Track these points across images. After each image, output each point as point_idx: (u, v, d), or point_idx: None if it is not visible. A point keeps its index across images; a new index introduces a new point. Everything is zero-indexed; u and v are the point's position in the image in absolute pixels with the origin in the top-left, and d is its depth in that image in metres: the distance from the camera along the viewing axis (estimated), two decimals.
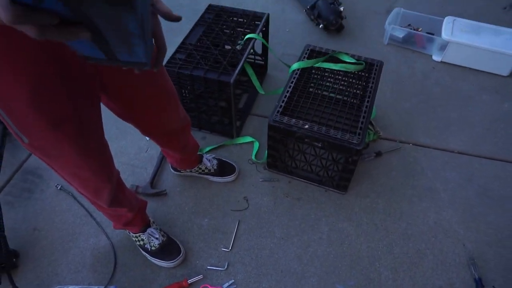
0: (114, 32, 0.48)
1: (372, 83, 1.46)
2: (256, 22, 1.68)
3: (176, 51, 1.54)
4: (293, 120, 1.33)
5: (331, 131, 1.30)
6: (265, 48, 1.89)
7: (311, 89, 1.53)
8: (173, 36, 2.04)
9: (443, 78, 1.98)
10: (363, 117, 1.34)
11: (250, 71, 1.70)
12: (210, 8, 1.76)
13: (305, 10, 2.27)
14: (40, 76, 0.70)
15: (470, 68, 2.01)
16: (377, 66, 1.53)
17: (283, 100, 1.39)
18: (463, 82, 1.96)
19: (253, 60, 1.95)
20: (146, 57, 0.55)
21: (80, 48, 0.53)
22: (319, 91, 1.54)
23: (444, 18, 2.08)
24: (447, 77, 1.98)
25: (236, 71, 1.44)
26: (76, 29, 0.44)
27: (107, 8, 0.41)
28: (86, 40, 0.48)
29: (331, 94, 1.51)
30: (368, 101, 1.39)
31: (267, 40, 1.83)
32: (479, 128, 1.75)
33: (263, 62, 1.96)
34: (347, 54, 1.56)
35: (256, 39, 1.62)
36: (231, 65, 1.48)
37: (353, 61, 1.53)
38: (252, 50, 1.84)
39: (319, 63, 1.53)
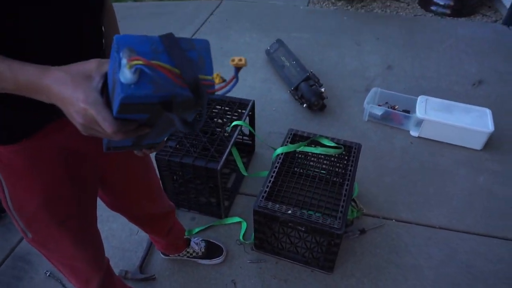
0: (165, 127, 0.63)
1: (351, 166, 1.56)
2: (242, 111, 1.83)
3: (168, 139, 1.65)
4: (277, 205, 1.40)
5: (313, 216, 1.36)
6: (253, 121, 2.02)
7: (296, 169, 1.63)
8: None
9: (421, 153, 2.10)
10: (344, 201, 1.42)
11: (235, 153, 1.81)
12: None
13: (290, 91, 2.46)
14: (53, 181, 0.78)
15: (445, 143, 2.14)
16: (355, 148, 1.64)
17: (268, 185, 1.48)
18: (440, 157, 2.07)
19: (241, 140, 2.08)
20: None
21: (113, 141, 0.64)
22: (303, 170, 1.64)
23: (417, 97, 2.26)
24: (425, 152, 2.10)
25: (223, 159, 1.55)
26: (141, 127, 0.56)
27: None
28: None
29: (315, 172, 1.61)
30: (347, 185, 1.48)
31: (253, 123, 1.97)
32: (458, 202, 1.83)
33: (250, 142, 2.08)
34: (327, 138, 1.68)
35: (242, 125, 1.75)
36: (218, 152, 1.59)
37: (333, 144, 1.64)
38: (240, 132, 1.97)
39: (301, 147, 1.65)
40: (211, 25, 3.48)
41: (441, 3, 3.60)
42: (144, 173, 1.10)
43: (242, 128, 1.99)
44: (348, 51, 3.04)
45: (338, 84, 2.66)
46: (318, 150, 1.63)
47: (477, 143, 2.07)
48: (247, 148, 2.11)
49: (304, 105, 2.34)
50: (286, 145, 1.66)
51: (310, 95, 2.26)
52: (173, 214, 1.37)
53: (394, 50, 3.05)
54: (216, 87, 0.55)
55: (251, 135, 2.06)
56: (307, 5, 3.85)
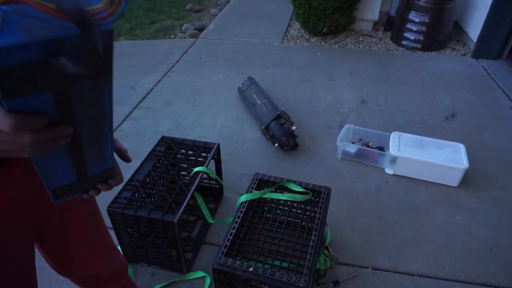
0: (90, 134, 0.55)
1: (319, 213, 1.46)
2: (207, 155, 1.73)
3: (123, 189, 1.53)
4: (238, 262, 1.28)
5: (276, 274, 1.24)
6: (219, 171, 1.92)
7: (262, 214, 1.51)
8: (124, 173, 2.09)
9: (396, 191, 2.02)
10: (311, 254, 1.31)
11: (199, 199, 1.69)
12: (162, 140, 1.82)
13: (261, 130, 2.39)
14: None
15: (421, 180, 2.07)
16: (324, 193, 1.55)
17: (228, 239, 1.36)
18: (416, 195, 1.99)
19: (208, 184, 1.97)
20: (111, 160, 0.64)
21: (53, 176, 0.57)
22: (270, 215, 1.53)
23: (391, 133, 2.21)
24: (400, 190, 2.03)
25: (181, 210, 1.43)
26: (61, 126, 0.50)
27: (89, 86, 0.47)
28: (61, 159, 0.54)
29: (283, 217, 1.51)
30: (315, 235, 1.37)
31: (219, 167, 1.87)
32: (436, 245, 1.73)
33: (218, 186, 1.97)
34: (295, 182, 1.59)
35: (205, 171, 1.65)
36: (177, 202, 1.48)
37: (301, 190, 1.55)
38: (207, 176, 1.87)
39: (267, 194, 1.55)
40: (184, 63, 3.46)
41: (412, 38, 3.67)
42: (92, 228, 0.98)
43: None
44: (322, 87, 3.03)
45: (311, 120, 2.61)
46: (284, 196, 1.53)
47: (453, 180, 2.01)
48: (215, 192, 1.99)
49: (276, 144, 2.26)
50: (251, 191, 1.55)
51: (281, 134, 2.19)
52: (126, 273, 1.23)
53: (368, 85, 3.05)
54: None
55: (219, 174, 1.95)
56: (281, 42, 3.89)
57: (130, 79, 3.20)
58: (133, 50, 3.84)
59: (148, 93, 2.98)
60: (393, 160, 2.08)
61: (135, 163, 1.65)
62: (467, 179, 2.05)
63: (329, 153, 2.30)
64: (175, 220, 1.39)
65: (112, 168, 0.65)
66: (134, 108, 2.80)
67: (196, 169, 1.62)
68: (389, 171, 2.13)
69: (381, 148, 2.23)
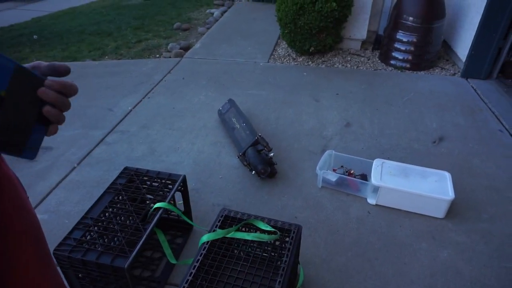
0: None
1: (287, 256, 1.33)
2: (172, 187, 1.61)
3: (74, 228, 1.40)
4: None
5: None
6: (187, 204, 1.79)
7: (226, 252, 1.38)
8: (77, 205, 1.96)
9: (378, 223, 1.89)
10: None
11: (161, 237, 1.56)
12: (125, 171, 1.70)
13: (238, 156, 2.27)
14: None
15: (405, 211, 1.95)
16: (294, 232, 1.42)
17: (184, 287, 1.22)
18: (399, 228, 1.86)
19: (176, 217, 1.84)
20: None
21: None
22: (236, 251, 1.39)
23: (373, 160, 2.09)
24: (382, 223, 1.89)
25: (133, 253, 1.30)
26: None
27: None
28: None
29: (250, 253, 1.37)
30: (280, 282, 1.24)
31: (187, 198, 1.75)
32: (419, 286, 1.59)
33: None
34: (263, 219, 1.46)
35: (166, 206, 1.52)
36: (132, 243, 1.34)
37: (269, 228, 1.42)
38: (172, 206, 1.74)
39: (231, 233, 1.42)
40: (166, 84, 3.36)
41: (400, 57, 3.60)
42: (40, 261, 0.86)
43: (177, 204, 1.76)
44: (306, 108, 2.93)
45: (293, 145, 2.49)
46: (250, 236, 1.40)
47: (438, 211, 1.88)
48: (185, 225, 1.86)
49: (253, 172, 2.14)
50: (214, 230, 1.42)
51: (257, 162, 2.08)
52: None
53: (354, 106, 2.95)
54: None
55: (188, 211, 1.83)
56: (268, 61, 3.81)
57: (109, 101, 3.10)
58: (116, 70, 3.76)
59: (125, 116, 2.88)
60: (376, 189, 1.96)
61: (98, 193, 1.52)
62: (453, 209, 1.92)
63: (309, 181, 2.17)
64: (126, 266, 1.26)
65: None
66: (109, 132, 2.68)
67: (156, 205, 1.49)
68: (371, 201, 2.00)
69: (364, 176, 2.11)
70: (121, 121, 2.82)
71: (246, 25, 4.93)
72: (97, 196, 1.59)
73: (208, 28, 4.86)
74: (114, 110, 2.97)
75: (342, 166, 2.20)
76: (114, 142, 2.57)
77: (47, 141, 2.60)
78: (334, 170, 2.17)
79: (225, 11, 5.57)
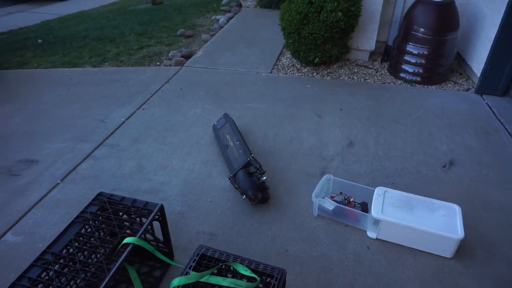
0: None
1: None
2: (148, 217, 1.45)
3: (31, 265, 1.26)
4: None
5: None
6: (166, 235, 1.63)
7: None
8: (54, 228, 1.80)
9: (378, 261, 1.70)
10: None
11: (133, 274, 1.41)
12: (98, 197, 1.56)
13: (229, 178, 2.11)
14: None
15: (408, 248, 1.75)
16: (276, 279, 1.25)
17: None
18: (401, 267, 1.67)
19: (155, 245, 1.68)
20: None
21: None
22: None
23: (375, 188, 1.91)
24: (383, 261, 1.71)
25: None
26: None
27: None
28: None
29: None
30: None
31: (166, 229, 1.59)
32: None
33: (167, 250, 1.68)
34: (242, 262, 1.30)
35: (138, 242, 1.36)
36: (92, 286, 1.19)
37: (248, 273, 1.25)
38: (151, 236, 1.58)
39: (205, 278, 1.25)
40: (163, 94, 3.23)
41: (410, 70, 3.40)
42: None
43: (154, 232, 1.60)
44: (306, 124, 2.75)
45: (290, 166, 2.32)
46: (226, 282, 1.24)
47: (446, 251, 1.68)
48: (166, 256, 1.70)
49: (244, 196, 1.98)
50: (187, 272, 1.26)
51: (247, 187, 1.91)
52: None
53: (358, 123, 2.77)
54: None
55: (167, 241, 1.67)
56: (270, 72, 3.66)
57: (102, 111, 2.98)
58: (114, 77, 3.65)
59: (117, 128, 2.75)
60: (376, 221, 1.78)
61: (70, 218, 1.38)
62: (463, 248, 1.73)
63: (305, 208, 2.00)
64: None
65: None
66: (99, 145, 2.56)
67: (125, 240, 1.34)
68: (371, 234, 1.82)
69: (365, 205, 1.93)
70: (112, 133, 2.69)
71: (251, 32, 4.78)
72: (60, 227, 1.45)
73: (212, 35, 4.73)
74: (106, 122, 2.84)
75: (341, 193, 2.02)
76: (102, 157, 2.44)
77: (33, 153, 2.49)
78: (332, 197, 1.99)
79: (231, 18, 5.44)
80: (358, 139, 2.59)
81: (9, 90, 3.49)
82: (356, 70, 3.69)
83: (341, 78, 3.55)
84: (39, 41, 5.02)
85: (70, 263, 1.27)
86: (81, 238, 1.37)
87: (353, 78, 3.54)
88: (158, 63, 4.03)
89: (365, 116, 2.87)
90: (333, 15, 3.14)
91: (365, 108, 2.98)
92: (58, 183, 2.22)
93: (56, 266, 1.26)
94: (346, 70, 3.68)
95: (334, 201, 1.94)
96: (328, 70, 3.68)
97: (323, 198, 1.94)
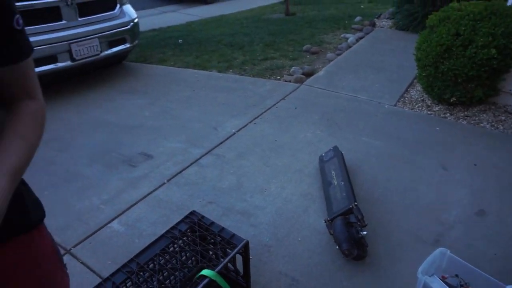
0: None
1: None
2: (231, 250, 1.40)
3: (118, 270, 1.32)
4: None
5: None
6: (246, 273, 1.55)
7: None
8: (151, 226, 1.88)
9: None
10: None
11: None
12: (190, 216, 1.57)
13: (325, 221, 1.93)
14: None
15: None
16: None
17: None
18: None
19: (234, 278, 1.62)
20: None
21: None
22: None
23: (507, 285, 1.50)
24: None
25: None
26: None
27: None
28: None
29: None
30: None
31: (247, 266, 1.51)
32: None
33: (244, 284, 1.60)
34: None
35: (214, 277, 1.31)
36: None
37: None
38: (232, 267, 1.53)
39: None
40: (276, 111, 3.21)
41: None
42: None
43: (236, 264, 1.54)
44: (427, 176, 2.38)
45: (398, 222, 2.02)
46: None
47: None
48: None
49: (337, 247, 1.78)
50: None
51: (343, 239, 1.71)
52: None
53: (495, 187, 2.27)
54: None
55: (246, 275, 1.59)
56: (395, 105, 3.31)
57: (217, 118, 3.10)
58: (235, 86, 3.79)
59: (226, 139, 2.82)
60: None
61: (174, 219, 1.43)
62: None
63: (406, 281, 1.70)
64: None
65: None
66: (206, 153, 2.65)
67: (202, 272, 1.30)
68: None
69: None
70: (221, 143, 2.77)
71: (380, 56, 4.45)
72: (173, 222, 1.58)
73: (338, 55, 4.55)
74: (218, 130, 2.94)
75: (457, 276, 1.65)
76: (207, 165, 2.52)
77: (151, 149, 2.72)
78: (443, 278, 1.64)
79: (361, 37, 5.17)
80: (492, 208, 2.11)
81: (148, 84, 3.93)
82: (503, 118, 3.07)
83: (481, 124, 3.00)
84: (180, 41, 5.57)
85: (149, 280, 1.29)
86: (166, 256, 1.39)
87: (497, 127, 2.96)
88: (278, 77, 4.05)
89: (506, 179, 2.34)
90: (485, 51, 2.66)
91: (508, 169, 2.43)
92: (164, 183, 2.36)
93: (136, 278, 1.29)
94: (490, 116, 3.10)
95: (446, 283, 1.59)
96: (466, 113, 3.15)
97: (431, 275, 1.62)
